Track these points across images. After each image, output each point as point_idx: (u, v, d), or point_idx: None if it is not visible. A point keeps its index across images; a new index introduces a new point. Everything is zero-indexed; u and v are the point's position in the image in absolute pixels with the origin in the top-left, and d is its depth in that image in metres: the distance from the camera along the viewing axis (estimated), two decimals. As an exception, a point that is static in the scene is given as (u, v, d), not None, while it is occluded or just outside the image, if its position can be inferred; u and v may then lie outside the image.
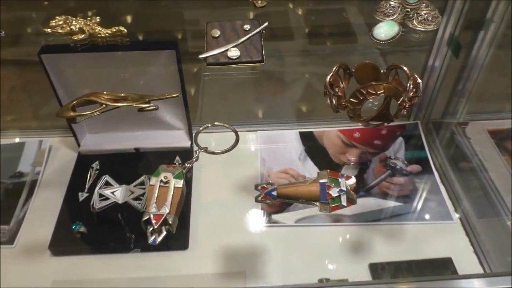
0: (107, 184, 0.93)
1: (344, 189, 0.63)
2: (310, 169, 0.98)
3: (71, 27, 0.72)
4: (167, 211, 0.61)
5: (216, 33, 0.76)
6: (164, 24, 1.04)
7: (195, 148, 0.76)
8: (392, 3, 0.85)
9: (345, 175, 0.65)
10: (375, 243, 0.85)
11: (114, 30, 0.76)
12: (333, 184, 0.63)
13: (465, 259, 0.82)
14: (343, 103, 0.68)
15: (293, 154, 1.01)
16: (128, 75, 0.91)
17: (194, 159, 0.72)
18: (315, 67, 1.18)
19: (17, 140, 1.04)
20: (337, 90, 0.70)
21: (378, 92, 0.65)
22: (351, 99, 0.67)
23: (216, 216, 0.90)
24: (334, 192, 0.62)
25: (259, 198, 0.64)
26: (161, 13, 1.11)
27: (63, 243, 0.83)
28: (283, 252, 0.84)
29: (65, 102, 0.91)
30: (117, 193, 0.91)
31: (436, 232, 0.86)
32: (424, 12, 0.87)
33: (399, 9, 0.84)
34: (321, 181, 0.64)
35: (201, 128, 0.80)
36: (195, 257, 0.84)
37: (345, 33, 1.09)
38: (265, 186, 0.64)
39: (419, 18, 0.85)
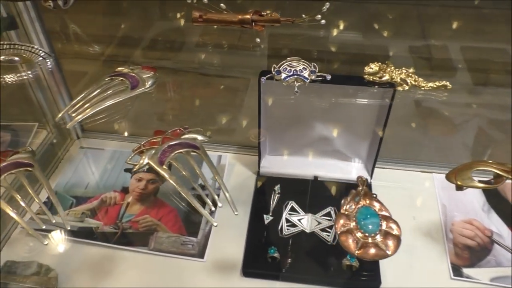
0: (292, 210, 0.94)
1: None
2: (496, 223, 0.93)
3: (392, 77, 0.72)
4: None
5: None
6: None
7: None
8: None
9: None
10: None
11: (438, 84, 0.72)
12: None
13: None
14: None
15: (475, 204, 0.97)
16: (326, 105, 0.91)
17: None
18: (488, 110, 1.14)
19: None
20: None
21: None
22: None
23: (403, 258, 0.87)
24: None
25: None
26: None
27: (256, 266, 0.84)
28: (480, 311, 0.80)
29: (264, 126, 0.93)
30: (304, 221, 0.91)
31: None
32: None
33: None
34: None
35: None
36: (387, 299, 0.82)
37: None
38: None
39: None
